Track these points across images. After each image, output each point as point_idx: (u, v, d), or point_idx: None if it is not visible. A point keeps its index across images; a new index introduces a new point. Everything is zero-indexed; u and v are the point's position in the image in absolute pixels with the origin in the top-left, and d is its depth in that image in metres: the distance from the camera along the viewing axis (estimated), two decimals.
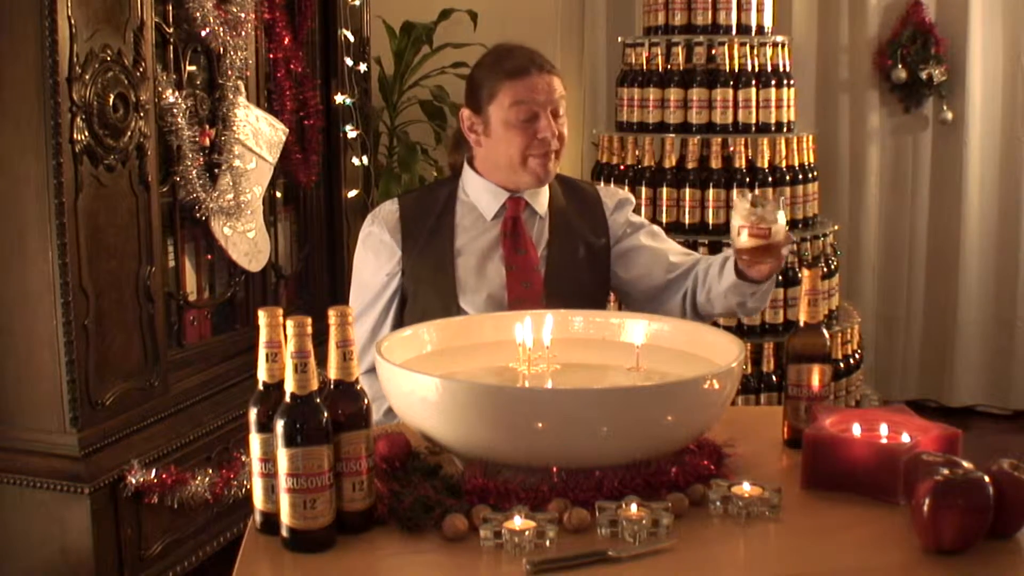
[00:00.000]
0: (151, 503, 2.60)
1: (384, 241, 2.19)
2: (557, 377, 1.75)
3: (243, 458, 2.79)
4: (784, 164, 3.80)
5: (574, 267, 2.21)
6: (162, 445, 2.71)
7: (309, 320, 1.37)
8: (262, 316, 1.40)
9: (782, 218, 1.87)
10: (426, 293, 2.17)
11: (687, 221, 3.76)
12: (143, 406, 2.70)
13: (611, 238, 2.26)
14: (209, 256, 3.13)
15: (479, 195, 2.22)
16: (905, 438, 1.56)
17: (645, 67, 3.86)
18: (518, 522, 1.38)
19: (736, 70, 3.77)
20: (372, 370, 1.79)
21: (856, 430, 1.58)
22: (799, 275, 3.66)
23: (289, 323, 1.37)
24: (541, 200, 2.24)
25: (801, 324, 1.75)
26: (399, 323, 2.19)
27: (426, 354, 1.81)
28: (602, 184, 3.65)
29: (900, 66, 4.58)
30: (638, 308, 2.23)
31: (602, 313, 2.01)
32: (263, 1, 3.27)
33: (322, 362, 1.43)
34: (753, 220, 1.86)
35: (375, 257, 2.21)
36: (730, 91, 3.75)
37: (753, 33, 3.86)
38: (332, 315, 1.40)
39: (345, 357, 1.41)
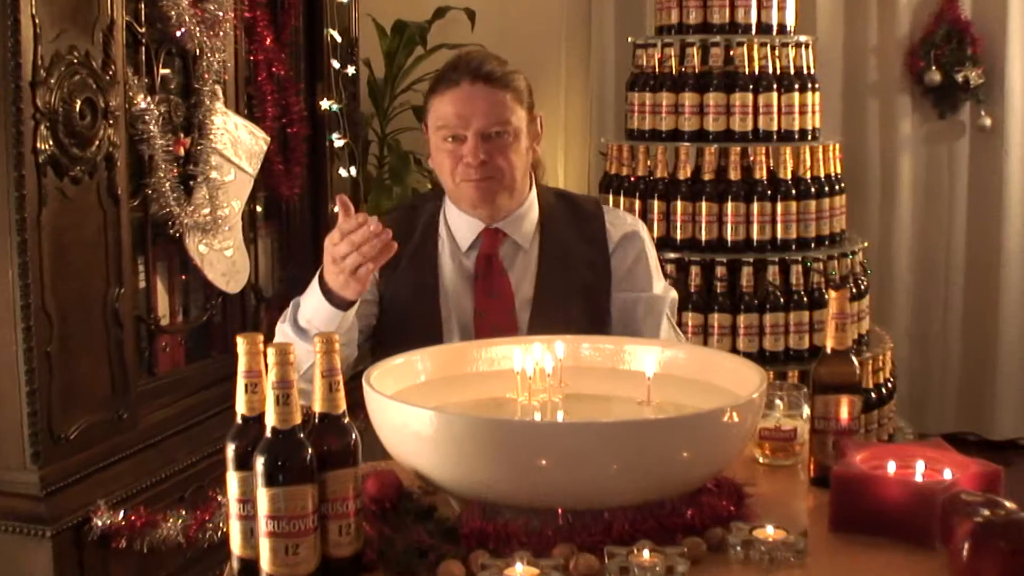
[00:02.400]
0: (119, 547, 2.59)
1: None
2: (562, 409, 1.76)
3: (219, 498, 2.78)
4: (808, 175, 3.82)
5: (565, 305, 2.13)
6: (131, 484, 2.70)
7: (293, 347, 1.38)
8: (241, 343, 1.41)
9: (806, 411, 1.83)
10: (407, 323, 2.14)
11: (703, 237, 3.77)
12: (111, 440, 2.69)
13: (612, 278, 2.18)
14: (183, 276, 3.13)
15: (456, 223, 2.18)
16: (943, 476, 1.56)
17: (657, 70, 3.88)
18: (520, 569, 1.37)
19: (756, 73, 3.79)
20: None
21: (889, 467, 1.58)
22: (826, 297, 3.67)
23: (270, 351, 1.37)
24: (524, 230, 2.16)
25: (828, 351, 1.75)
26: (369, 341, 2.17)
27: (419, 384, 1.81)
28: (611, 204, 3.60)
29: (934, 68, 4.61)
30: None
31: (610, 339, 2.01)
32: None
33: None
34: (775, 425, 1.84)
35: None
36: (750, 96, 3.77)
37: (774, 32, 3.89)
38: (317, 342, 1.40)
39: (331, 388, 1.41)
